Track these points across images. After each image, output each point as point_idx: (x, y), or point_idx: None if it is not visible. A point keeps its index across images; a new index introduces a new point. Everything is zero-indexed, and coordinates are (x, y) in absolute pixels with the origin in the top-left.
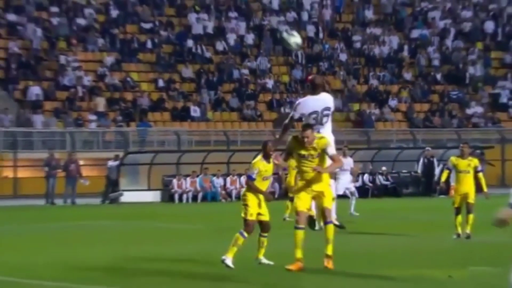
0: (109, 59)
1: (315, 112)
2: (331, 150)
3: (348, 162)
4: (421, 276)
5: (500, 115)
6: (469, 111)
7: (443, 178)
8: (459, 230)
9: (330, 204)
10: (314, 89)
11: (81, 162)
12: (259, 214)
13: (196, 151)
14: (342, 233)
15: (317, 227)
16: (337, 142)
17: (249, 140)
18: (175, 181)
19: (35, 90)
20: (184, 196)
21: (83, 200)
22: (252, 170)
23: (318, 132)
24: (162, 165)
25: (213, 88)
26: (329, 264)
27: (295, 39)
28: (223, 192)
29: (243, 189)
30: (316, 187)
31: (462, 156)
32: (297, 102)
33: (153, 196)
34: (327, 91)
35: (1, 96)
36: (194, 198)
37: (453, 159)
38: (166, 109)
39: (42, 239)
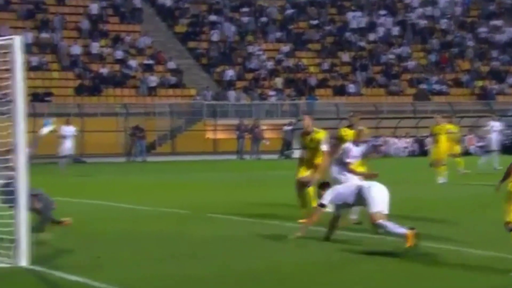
0: (285, 48)
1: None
2: (325, 147)
3: (497, 124)
4: None
5: None
6: None
7: None
8: None
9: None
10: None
11: (264, 127)
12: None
13: None
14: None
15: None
16: (464, 111)
17: (394, 109)
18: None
19: (230, 73)
20: None
21: (264, 155)
22: None
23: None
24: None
25: (365, 70)
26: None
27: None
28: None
29: None
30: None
31: None
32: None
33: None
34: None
35: (204, 77)
36: None
37: None
38: (328, 86)
39: (234, 184)
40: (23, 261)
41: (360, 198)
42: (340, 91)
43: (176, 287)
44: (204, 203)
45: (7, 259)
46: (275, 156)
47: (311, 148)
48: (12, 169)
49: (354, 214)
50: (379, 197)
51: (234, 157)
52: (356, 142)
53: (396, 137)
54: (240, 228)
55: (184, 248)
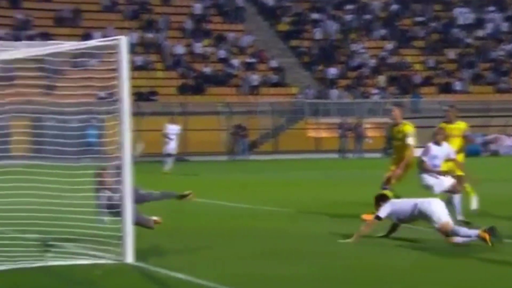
0: (389, 45)
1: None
2: (410, 140)
3: None
4: None
5: None
6: None
7: None
8: None
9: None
10: None
11: (366, 126)
12: None
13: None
14: None
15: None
16: None
17: (503, 107)
18: None
19: (332, 71)
20: None
21: (367, 154)
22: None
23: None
24: (426, 128)
25: (472, 67)
26: None
27: None
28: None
29: None
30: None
31: None
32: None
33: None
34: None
35: (306, 75)
36: None
37: None
38: (433, 84)
39: (337, 182)
40: (129, 258)
41: (420, 214)
42: (446, 89)
43: (278, 285)
44: (306, 201)
45: (115, 256)
46: (378, 155)
47: (398, 139)
48: (117, 174)
49: (459, 215)
50: (442, 209)
51: (336, 155)
52: (436, 141)
53: (507, 135)
54: (341, 227)
55: (286, 246)
